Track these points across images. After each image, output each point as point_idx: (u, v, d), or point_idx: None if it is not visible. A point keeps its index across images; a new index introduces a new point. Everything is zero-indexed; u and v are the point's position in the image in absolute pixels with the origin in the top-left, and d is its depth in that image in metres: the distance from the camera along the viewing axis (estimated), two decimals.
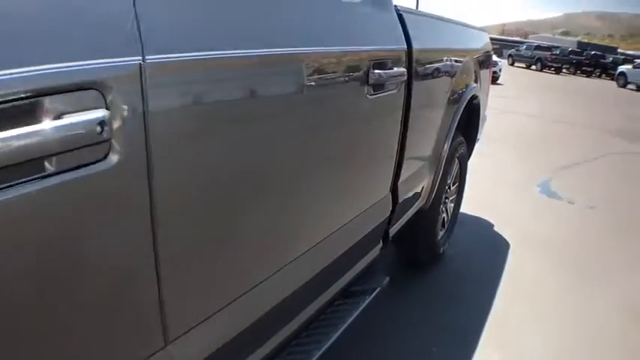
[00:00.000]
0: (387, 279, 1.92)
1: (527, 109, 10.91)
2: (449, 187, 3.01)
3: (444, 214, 3.05)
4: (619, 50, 59.85)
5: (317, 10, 1.26)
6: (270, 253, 1.17)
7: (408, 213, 2.15)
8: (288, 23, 1.12)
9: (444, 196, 2.91)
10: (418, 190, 2.23)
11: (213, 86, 0.86)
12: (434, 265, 2.94)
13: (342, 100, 1.32)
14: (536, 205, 4.35)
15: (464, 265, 3.05)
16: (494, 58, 17.23)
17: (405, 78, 1.62)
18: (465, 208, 3.71)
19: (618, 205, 4.60)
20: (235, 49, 0.90)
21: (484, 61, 3.32)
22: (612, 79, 26.42)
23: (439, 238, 2.93)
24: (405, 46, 1.67)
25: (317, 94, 1.21)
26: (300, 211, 1.26)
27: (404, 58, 1.64)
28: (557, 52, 31.06)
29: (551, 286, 2.85)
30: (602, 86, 23.76)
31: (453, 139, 2.67)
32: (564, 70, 30.67)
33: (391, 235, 1.98)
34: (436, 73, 2.05)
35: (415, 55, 1.74)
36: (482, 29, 3.42)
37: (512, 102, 11.98)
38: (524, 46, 33.40)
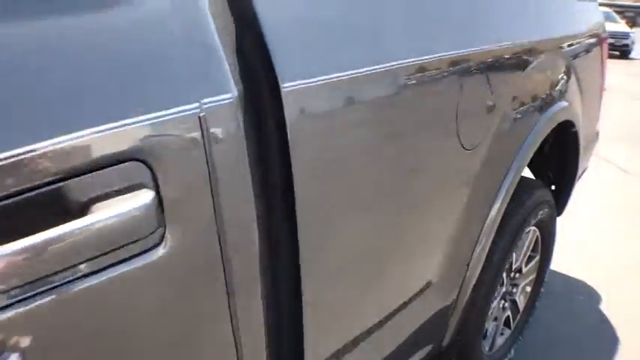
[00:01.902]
0: None
1: None
2: (517, 272, 1.72)
3: (508, 312, 1.77)
4: None
5: None
6: None
7: None
8: None
9: (502, 292, 1.64)
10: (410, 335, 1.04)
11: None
12: None
13: None
14: None
15: None
16: (625, 28, 14.14)
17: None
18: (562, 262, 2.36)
19: None
20: None
21: (589, 53, 1.90)
22: None
23: (490, 351, 1.67)
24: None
25: None
26: None
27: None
28: None
29: None
30: None
31: (524, 199, 1.41)
32: None
33: None
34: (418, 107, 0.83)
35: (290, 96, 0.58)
36: None
37: None
38: None
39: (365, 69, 0.69)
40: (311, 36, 0.65)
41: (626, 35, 13.39)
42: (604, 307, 2.27)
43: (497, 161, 1.10)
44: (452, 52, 0.86)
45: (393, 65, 0.73)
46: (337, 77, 0.65)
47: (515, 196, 1.33)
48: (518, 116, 1.15)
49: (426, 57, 0.80)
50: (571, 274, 2.49)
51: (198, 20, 0.56)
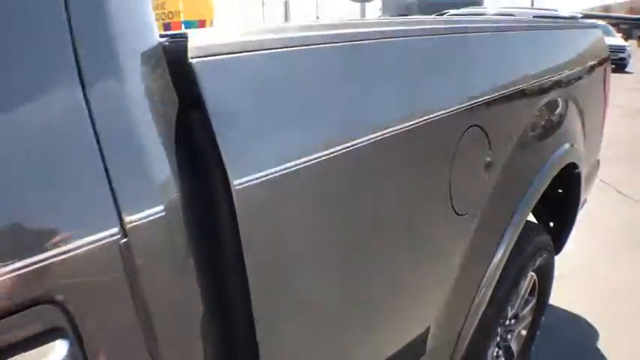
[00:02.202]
0: None
1: None
2: (512, 319, 1.59)
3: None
4: None
5: None
6: None
7: None
8: None
9: (496, 341, 1.51)
10: None
11: None
12: None
13: None
14: None
15: None
16: (620, 41, 14.05)
17: None
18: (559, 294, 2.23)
19: None
20: None
21: (591, 83, 1.79)
22: None
23: None
24: None
25: None
26: None
27: None
28: None
29: None
30: None
31: (523, 247, 1.28)
32: None
33: None
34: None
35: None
36: (586, 24, 1.85)
37: None
38: None
39: (336, 148, 0.56)
40: (269, 118, 0.52)
41: (622, 49, 13.34)
42: (603, 344, 2.15)
43: (495, 220, 0.98)
44: (437, 114, 0.72)
45: (363, 141, 0.60)
46: (301, 163, 0.52)
47: (514, 247, 1.21)
48: (519, 168, 1.02)
49: (402, 126, 0.66)
50: (569, 308, 2.36)
51: (122, 107, 0.43)
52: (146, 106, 0.45)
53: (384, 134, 0.62)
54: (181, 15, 8.49)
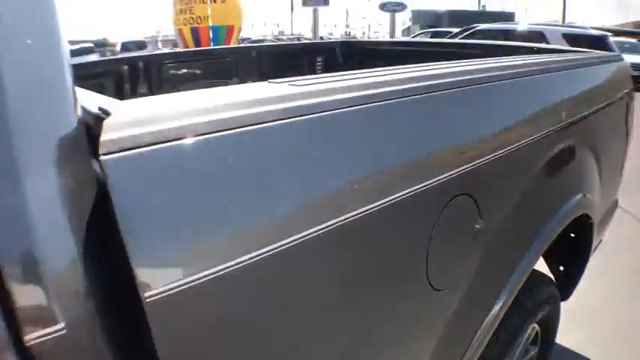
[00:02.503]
0: None
1: None
2: None
3: None
4: None
5: None
6: None
7: None
8: None
9: None
10: None
11: None
12: None
13: None
14: None
15: None
16: None
17: None
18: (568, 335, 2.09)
19: None
20: None
21: (610, 120, 1.67)
22: None
23: None
24: None
25: None
26: None
27: None
28: None
29: None
30: None
31: (522, 305, 1.17)
32: None
33: None
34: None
35: None
36: (607, 57, 1.73)
37: None
38: None
39: (277, 244, 0.49)
40: (193, 217, 0.45)
41: None
42: None
43: (486, 290, 0.89)
44: (409, 190, 0.63)
45: (305, 235, 0.52)
46: (237, 264, 0.46)
47: (513, 304, 1.11)
48: (517, 232, 0.93)
49: (356, 212, 0.57)
50: (578, 350, 2.22)
51: (21, 212, 0.37)
52: (55, 207, 0.39)
53: (333, 225, 0.54)
54: (209, 20, 8.54)
